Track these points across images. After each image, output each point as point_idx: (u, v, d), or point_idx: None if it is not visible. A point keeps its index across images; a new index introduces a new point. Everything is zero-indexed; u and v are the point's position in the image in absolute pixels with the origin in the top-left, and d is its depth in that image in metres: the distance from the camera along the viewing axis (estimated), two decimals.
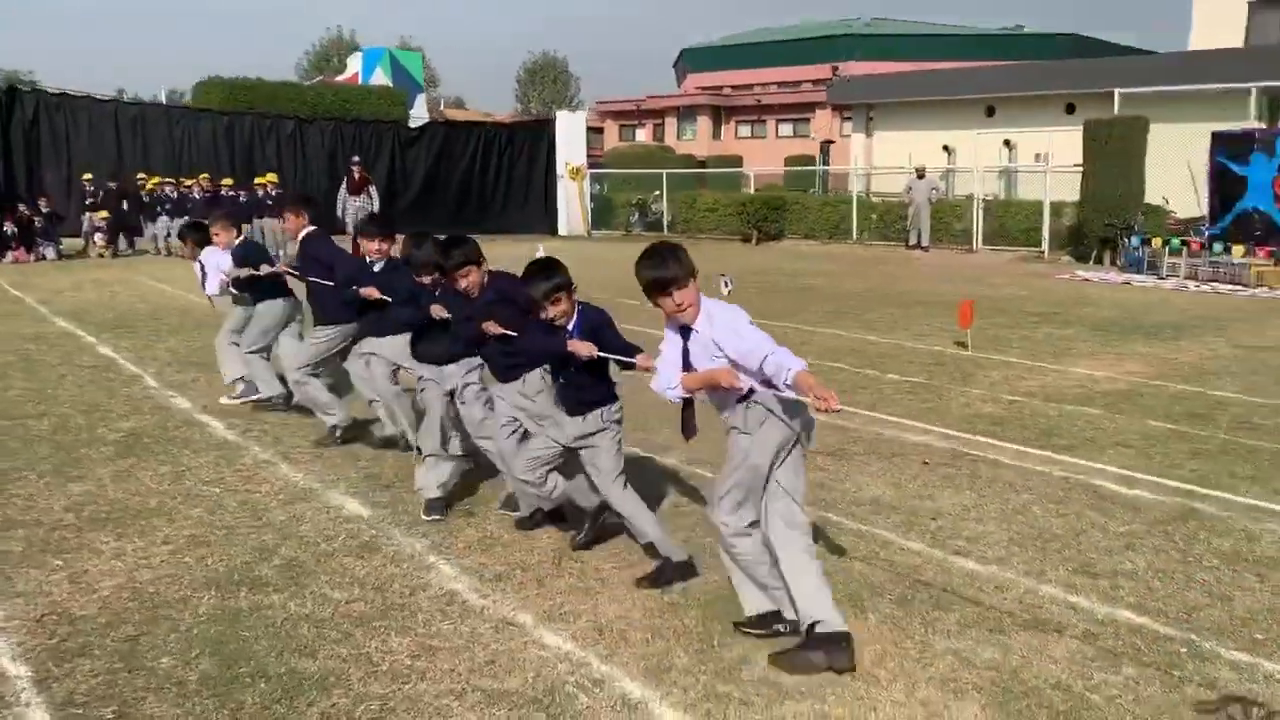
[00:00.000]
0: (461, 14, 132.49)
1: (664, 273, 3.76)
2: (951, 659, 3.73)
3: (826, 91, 37.92)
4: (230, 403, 7.87)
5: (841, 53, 53.99)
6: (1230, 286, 17.16)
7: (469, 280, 5.09)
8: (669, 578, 4.42)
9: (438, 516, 5.29)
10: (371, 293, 6.15)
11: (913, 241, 24.00)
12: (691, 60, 63.15)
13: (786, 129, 52.86)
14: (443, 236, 5.36)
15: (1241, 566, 4.67)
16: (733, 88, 58.80)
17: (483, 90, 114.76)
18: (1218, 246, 18.33)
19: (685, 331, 3.86)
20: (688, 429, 4.03)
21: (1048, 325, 12.58)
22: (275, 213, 20.58)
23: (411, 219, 28.52)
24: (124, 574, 4.57)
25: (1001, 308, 14.00)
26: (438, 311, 5.35)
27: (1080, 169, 21.62)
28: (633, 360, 4.47)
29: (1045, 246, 22.71)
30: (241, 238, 7.99)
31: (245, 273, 7.41)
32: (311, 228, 7.05)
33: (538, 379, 5.09)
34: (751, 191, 30.11)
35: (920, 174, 23.95)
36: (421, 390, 5.64)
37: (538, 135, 31.48)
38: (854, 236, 26.09)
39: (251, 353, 7.57)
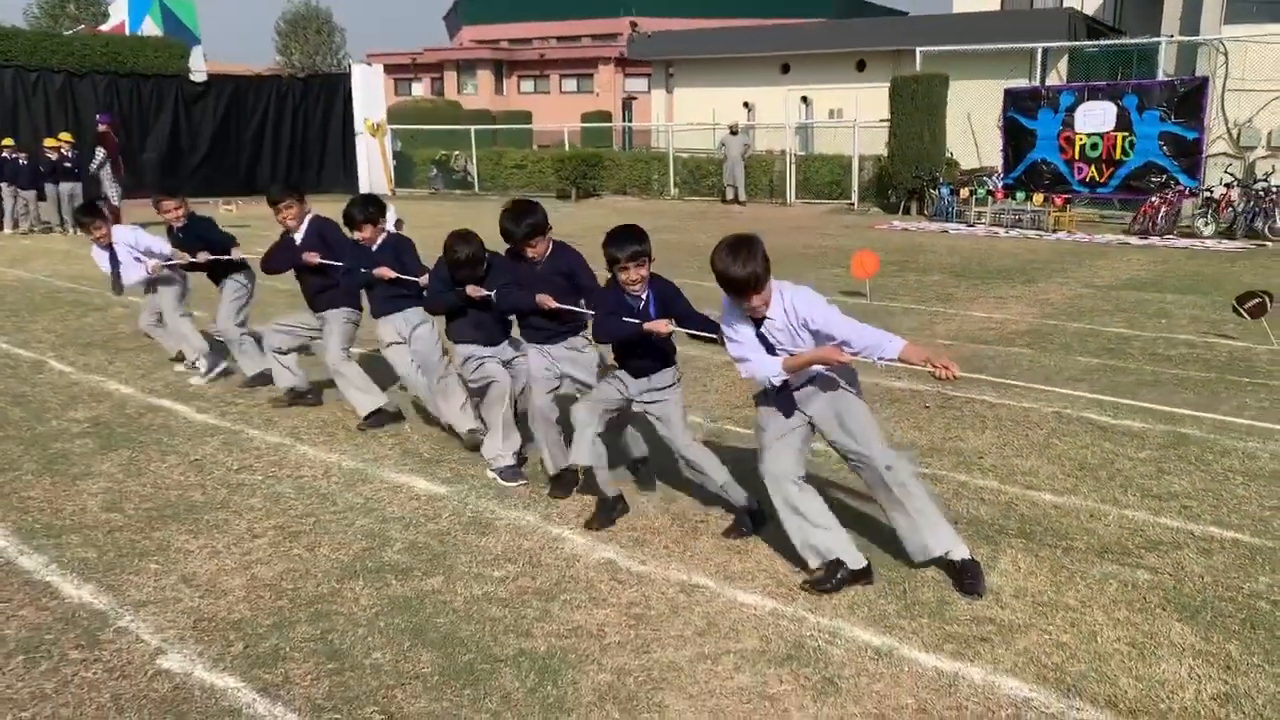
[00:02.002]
0: None
1: (744, 273, 3.75)
2: (1116, 583, 4.09)
3: (625, 47, 38.16)
4: (201, 383, 7.42)
5: (619, 7, 54.26)
6: (1035, 232, 18.81)
7: (536, 250, 5.04)
8: (751, 525, 4.59)
9: (522, 482, 5.24)
10: (385, 273, 5.94)
11: (730, 196, 24.74)
12: (466, 13, 61.64)
13: (570, 84, 52.81)
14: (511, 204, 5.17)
15: (1264, 481, 5.30)
16: (510, 41, 58.00)
17: (235, 43, 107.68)
18: (1020, 195, 20.00)
19: (757, 322, 3.96)
20: (789, 409, 4.10)
21: (909, 273, 13.41)
22: (75, 177, 18.77)
23: (200, 181, 26.77)
24: (240, 571, 4.25)
25: (851, 256, 14.79)
26: (474, 291, 5.27)
27: (886, 124, 22.94)
28: (715, 335, 4.44)
29: (855, 198, 24.02)
30: (188, 214, 7.38)
31: (235, 256, 7.23)
32: (313, 212, 6.64)
33: (581, 338, 5.20)
34: (566, 148, 30.00)
35: (734, 130, 24.69)
36: (478, 366, 5.42)
37: (333, 89, 30.08)
38: (671, 192, 26.62)
39: (244, 332, 7.27)
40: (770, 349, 3.98)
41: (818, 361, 3.93)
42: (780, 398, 4.06)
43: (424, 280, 5.84)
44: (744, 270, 3.75)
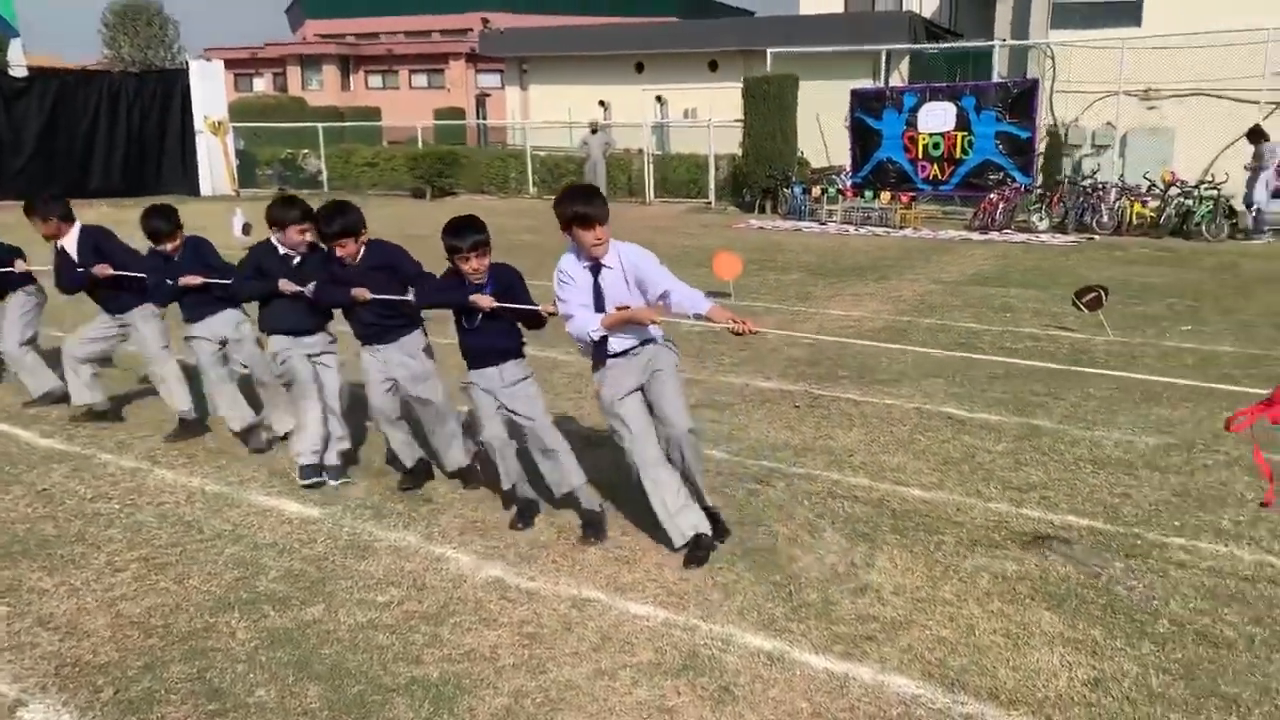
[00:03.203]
0: None
1: (592, 209, 4.25)
2: (987, 576, 4.27)
3: (478, 43, 37.70)
4: None
5: (469, 3, 53.63)
6: (884, 229, 19.48)
7: (346, 250, 5.14)
8: (602, 533, 4.71)
9: (316, 479, 5.41)
10: (192, 280, 5.88)
11: None
12: (309, 7, 59.83)
13: (420, 80, 51.91)
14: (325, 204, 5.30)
15: (1111, 469, 5.63)
16: (357, 36, 56.57)
17: (56, 35, 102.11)
18: (869, 193, 20.68)
19: (595, 269, 4.35)
20: (601, 360, 4.45)
21: (769, 271, 13.70)
22: None
23: (26, 184, 25.15)
24: (104, 610, 4.01)
25: (713, 256, 14.99)
26: (287, 286, 5.38)
27: (740, 124, 23.37)
28: (538, 310, 4.72)
29: (712, 197, 24.39)
30: None
31: (19, 269, 7.01)
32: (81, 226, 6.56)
33: (418, 338, 5.33)
34: (419, 145, 29.44)
35: (594, 129, 24.72)
36: (284, 361, 5.48)
37: (170, 86, 28.74)
38: (530, 190, 26.48)
39: (23, 345, 7.04)
40: (601, 305, 4.34)
41: (633, 320, 4.30)
42: (598, 351, 4.40)
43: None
44: (594, 207, 4.25)
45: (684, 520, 4.40)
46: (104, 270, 6.21)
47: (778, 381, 7.58)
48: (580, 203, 4.26)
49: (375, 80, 53.37)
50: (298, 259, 5.47)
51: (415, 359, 5.28)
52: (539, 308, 4.72)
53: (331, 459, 5.47)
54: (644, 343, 4.46)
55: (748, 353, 8.60)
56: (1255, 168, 16.93)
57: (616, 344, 4.41)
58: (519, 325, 4.82)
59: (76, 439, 6.28)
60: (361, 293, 5.07)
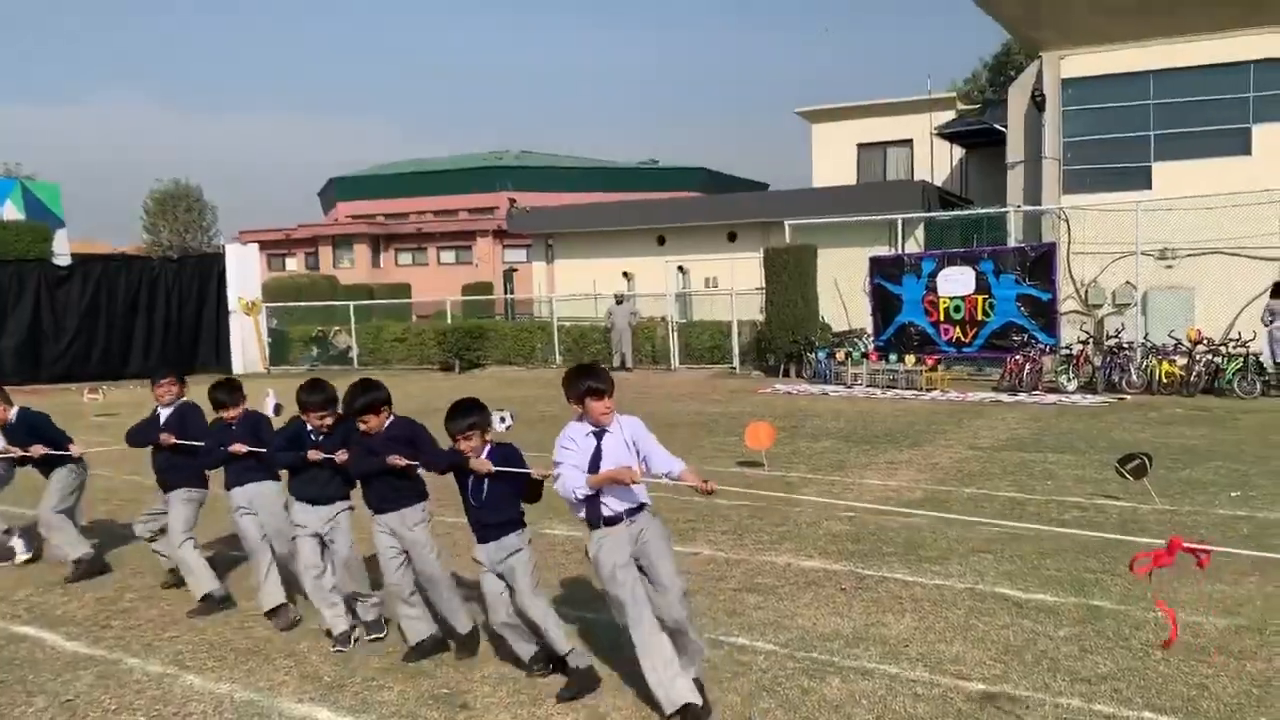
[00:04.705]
0: (65, 141, 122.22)
1: (602, 384, 4.75)
2: None
3: (505, 220, 38.96)
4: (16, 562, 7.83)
5: (495, 182, 55.70)
6: (910, 392, 19.44)
7: (369, 425, 5.51)
8: (589, 686, 4.94)
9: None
10: (238, 448, 6.33)
11: (617, 363, 25.01)
12: (342, 189, 62.29)
13: (449, 256, 53.42)
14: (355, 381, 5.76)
15: (1182, 656, 5.33)
16: (387, 216, 58.58)
17: (100, 220, 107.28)
18: (893, 357, 20.74)
19: (599, 435, 4.74)
20: (594, 521, 4.71)
21: (800, 439, 13.56)
22: None
23: (64, 367, 25.77)
24: None
25: (743, 424, 14.90)
26: (314, 455, 5.75)
27: (760, 291, 23.76)
28: (529, 471, 5.06)
29: (737, 363, 24.55)
30: (16, 409, 7.65)
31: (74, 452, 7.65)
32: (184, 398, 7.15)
33: (418, 511, 5.60)
34: (448, 319, 30.00)
35: (619, 300, 25.18)
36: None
37: (206, 269, 29.69)
38: (556, 360, 26.77)
39: (59, 512, 7.47)
40: (597, 466, 4.66)
41: (615, 479, 4.61)
42: (591, 511, 4.69)
43: None
44: (603, 381, 4.77)
45: (675, 689, 4.53)
46: (167, 439, 6.76)
47: (820, 560, 7.36)
48: (591, 379, 4.76)
49: (405, 257, 54.98)
50: (323, 435, 5.89)
51: (411, 531, 5.53)
52: (532, 471, 5.05)
53: (367, 615, 5.91)
54: (639, 508, 4.74)
55: (787, 528, 8.41)
56: (1269, 323, 17.12)
57: (615, 506, 4.68)
58: (519, 499, 5.17)
59: (103, 641, 6.10)
60: (396, 459, 5.40)
